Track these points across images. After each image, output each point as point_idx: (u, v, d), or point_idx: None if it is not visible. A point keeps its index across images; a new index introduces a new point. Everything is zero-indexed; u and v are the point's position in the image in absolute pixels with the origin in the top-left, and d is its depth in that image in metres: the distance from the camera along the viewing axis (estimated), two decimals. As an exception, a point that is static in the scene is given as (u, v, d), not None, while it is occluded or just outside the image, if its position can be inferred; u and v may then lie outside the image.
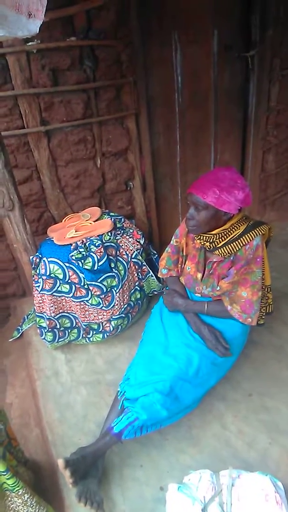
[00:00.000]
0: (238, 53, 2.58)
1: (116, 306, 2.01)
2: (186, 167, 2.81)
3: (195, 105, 2.62)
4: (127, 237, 2.13)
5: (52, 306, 1.95)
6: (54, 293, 1.93)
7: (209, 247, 1.53)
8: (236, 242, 1.47)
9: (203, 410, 1.69)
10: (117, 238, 2.07)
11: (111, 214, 2.26)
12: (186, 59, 2.45)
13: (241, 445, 1.55)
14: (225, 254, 1.51)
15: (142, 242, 2.17)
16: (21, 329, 2.32)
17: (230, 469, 1.35)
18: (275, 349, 1.97)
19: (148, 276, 2.20)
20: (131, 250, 2.08)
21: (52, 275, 1.89)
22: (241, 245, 1.47)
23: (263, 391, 1.75)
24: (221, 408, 1.70)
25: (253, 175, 3.05)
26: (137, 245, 2.13)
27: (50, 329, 2.00)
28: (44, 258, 1.92)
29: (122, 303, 2.03)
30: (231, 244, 1.48)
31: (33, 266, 2.00)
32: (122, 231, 2.14)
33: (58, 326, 2.01)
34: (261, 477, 1.31)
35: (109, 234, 2.02)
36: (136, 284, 2.14)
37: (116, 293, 1.99)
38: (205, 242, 1.52)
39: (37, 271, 1.96)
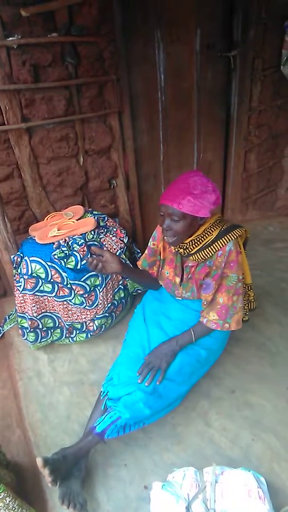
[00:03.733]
0: (221, 52, 2.60)
1: (100, 305, 1.99)
2: (170, 166, 2.82)
3: (178, 103, 2.62)
4: (111, 235, 2.11)
5: (34, 306, 1.92)
6: (36, 293, 1.90)
7: (183, 253, 1.52)
8: (209, 248, 1.45)
9: (187, 407, 1.69)
10: (100, 237, 2.05)
11: (94, 212, 2.24)
12: (169, 57, 2.45)
13: (225, 442, 1.56)
14: (199, 259, 1.50)
15: (125, 240, 2.16)
16: (2, 330, 2.28)
17: (214, 466, 1.36)
18: (258, 346, 2.00)
19: (131, 274, 2.19)
20: (114, 249, 2.07)
21: (34, 274, 1.87)
22: (214, 250, 1.45)
23: (246, 388, 1.77)
24: (205, 406, 1.71)
25: (235, 174, 3.08)
26: (121, 243, 2.12)
27: (32, 329, 1.97)
28: (26, 257, 1.89)
29: (105, 302, 2.02)
30: (205, 250, 1.46)
31: (14, 266, 1.96)
32: (105, 230, 2.13)
33: (40, 326, 1.98)
34: (244, 473, 1.33)
35: (92, 232, 2.00)
36: (120, 283, 2.13)
37: (99, 292, 1.97)
38: (179, 249, 1.51)
39: (19, 270, 1.93)
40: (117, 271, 1.53)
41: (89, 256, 1.48)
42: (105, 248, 2.03)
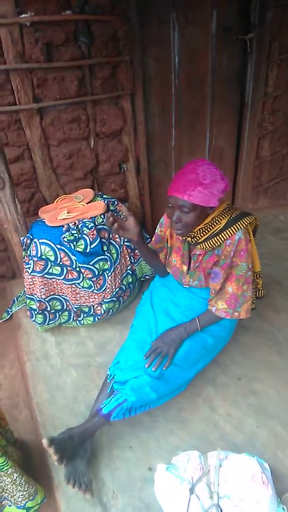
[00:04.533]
0: (237, 35, 2.53)
1: (108, 290, 2.00)
2: (181, 151, 2.78)
3: (192, 87, 2.57)
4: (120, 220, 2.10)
5: (43, 288, 1.92)
6: (45, 275, 1.91)
7: (191, 241, 1.50)
8: (218, 236, 1.42)
9: (193, 393, 1.70)
10: (110, 220, 2.04)
11: (104, 196, 2.22)
12: (184, 39, 2.39)
13: (229, 428, 1.57)
14: (207, 248, 1.47)
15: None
16: (11, 311, 2.30)
17: (218, 451, 1.37)
18: (265, 334, 1.99)
19: (140, 260, 2.18)
20: (123, 234, 2.06)
21: (43, 256, 1.87)
22: (223, 239, 1.42)
23: (252, 376, 1.77)
24: (210, 392, 1.72)
25: (247, 162, 3.03)
26: (130, 228, 2.11)
27: (40, 311, 1.98)
28: (35, 240, 1.88)
29: (113, 287, 2.02)
30: (213, 239, 1.43)
31: (23, 247, 1.96)
32: (115, 214, 2.11)
33: (48, 309, 1.99)
34: (248, 458, 1.33)
35: (102, 216, 1.99)
36: (128, 268, 2.12)
37: (108, 276, 1.97)
38: (187, 237, 1.49)
39: (28, 252, 1.93)
40: (132, 238, 1.52)
41: (109, 213, 1.45)
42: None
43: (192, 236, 1.46)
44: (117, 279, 2.03)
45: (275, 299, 2.21)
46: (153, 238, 1.73)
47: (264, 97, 2.75)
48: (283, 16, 2.52)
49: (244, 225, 1.42)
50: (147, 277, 2.29)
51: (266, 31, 2.52)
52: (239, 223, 1.41)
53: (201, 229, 1.43)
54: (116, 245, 2.02)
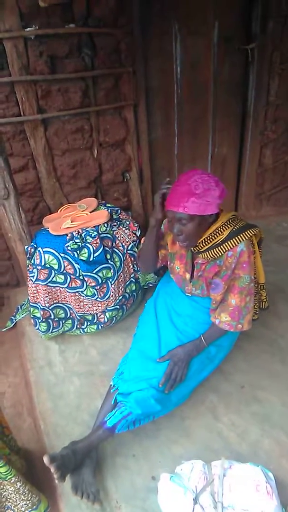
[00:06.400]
0: (238, 45, 2.57)
1: (111, 298, 2.00)
2: (184, 160, 2.80)
3: (194, 97, 2.60)
4: (124, 228, 2.12)
5: (47, 296, 1.94)
6: (49, 284, 1.92)
7: (193, 250, 1.51)
8: (219, 247, 1.43)
9: (196, 401, 1.70)
10: (113, 229, 2.06)
11: (107, 205, 2.24)
12: (186, 50, 2.43)
13: (233, 436, 1.56)
14: (208, 258, 1.48)
15: (138, 234, 2.16)
16: (15, 319, 2.31)
17: (222, 460, 1.36)
18: (269, 342, 1.98)
19: (143, 268, 2.19)
20: (127, 242, 2.08)
21: (47, 265, 1.88)
22: (224, 250, 1.43)
23: (256, 384, 1.77)
24: (213, 400, 1.71)
25: (250, 170, 3.05)
26: (133, 237, 2.12)
27: (44, 320, 1.99)
28: (39, 248, 1.90)
29: (117, 295, 2.03)
30: (214, 249, 1.44)
31: (28, 256, 1.98)
32: (118, 223, 2.13)
33: (52, 317, 2.00)
34: (253, 468, 1.32)
35: (105, 225, 2.01)
36: (132, 276, 2.13)
37: (111, 284, 1.98)
38: None
39: (32, 261, 1.95)
40: (160, 218, 1.50)
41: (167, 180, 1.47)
42: (117, 241, 2.03)
43: (195, 245, 1.47)
44: (120, 287, 2.04)
45: (279, 306, 2.21)
46: None
47: (266, 106, 2.78)
48: (284, 26, 2.55)
49: (247, 237, 1.42)
50: (150, 285, 2.30)
51: (267, 41, 2.55)
52: (241, 235, 1.41)
53: (203, 239, 1.44)
54: (119, 254, 2.03)
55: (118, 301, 2.04)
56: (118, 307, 2.06)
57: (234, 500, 1.24)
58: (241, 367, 1.85)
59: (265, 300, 1.73)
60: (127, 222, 2.18)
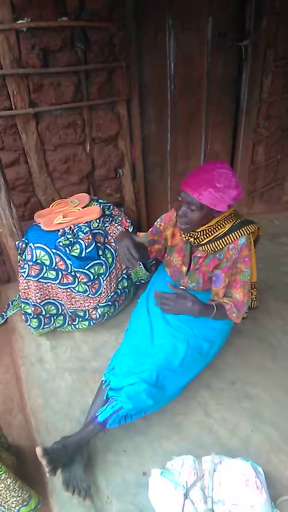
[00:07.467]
0: (232, 42, 2.56)
1: (103, 294, 2.00)
2: (177, 156, 2.79)
3: (188, 93, 2.59)
4: (116, 224, 2.11)
5: (38, 292, 1.92)
6: (40, 279, 1.91)
7: (193, 242, 1.50)
8: (220, 240, 1.44)
9: (188, 397, 1.70)
10: (105, 225, 2.05)
11: (99, 201, 2.23)
12: (180, 46, 2.41)
13: (224, 432, 1.57)
14: (208, 251, 1.48)
15: (130, 230, 2.16)
16: (6, 315, 2.29)
17: (213, 455, 1.37)
18: (259, 339, 2.00)
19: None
20: (119, 238, 2.07)
21: (38, 261, 1.87)
22: (225, 243, 1.43)
23: (247, 380, 1.78)
24: (205, 396, 1.72)
25: (242, 167, 3.05)
26: (126, 233, 2.12)
27: (35, 316, 1.98)
28: (31, 244, 1.89)
29: (109, 291, 2.02)
30: (215, 242, 1.45)
31: (19, 252, 1.96)
32: (110, 219, 2.12)
33: (43, 313, 1.99)
34: (243, 463, 1.34)
35: (98, 221, 2.00)
36: (124, 272, 2.13)
37: (103, 280, 1.98)
38: (189, 238, 1.50)
39: (23, 256, 1.93)
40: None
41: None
42: (109, 237, 2.02)
43: (195, 237, 1.47)
44: (112, 284, 2.03)
45: (269, 303, 2.23)
46: (150, 229, 1.73)
47: (259, 103, 2.78)
48: (278, 23, 2.55)
49: (248, 232, 1.43)
50: (142, 281, 2.30)
51: (261, 38, 2.55)
52: (243, 228, 1.43)
53: (204, 231, 1.44)
54: (112, 250, 2.02)
55: (110, 297, 2.03)
56: (110, 303, 2.05)
57: (224, 494, 1.25)
58: (233, 363, 1.86)
59: (254, 299, 1.74)
60: (120, 218, 2.17)
